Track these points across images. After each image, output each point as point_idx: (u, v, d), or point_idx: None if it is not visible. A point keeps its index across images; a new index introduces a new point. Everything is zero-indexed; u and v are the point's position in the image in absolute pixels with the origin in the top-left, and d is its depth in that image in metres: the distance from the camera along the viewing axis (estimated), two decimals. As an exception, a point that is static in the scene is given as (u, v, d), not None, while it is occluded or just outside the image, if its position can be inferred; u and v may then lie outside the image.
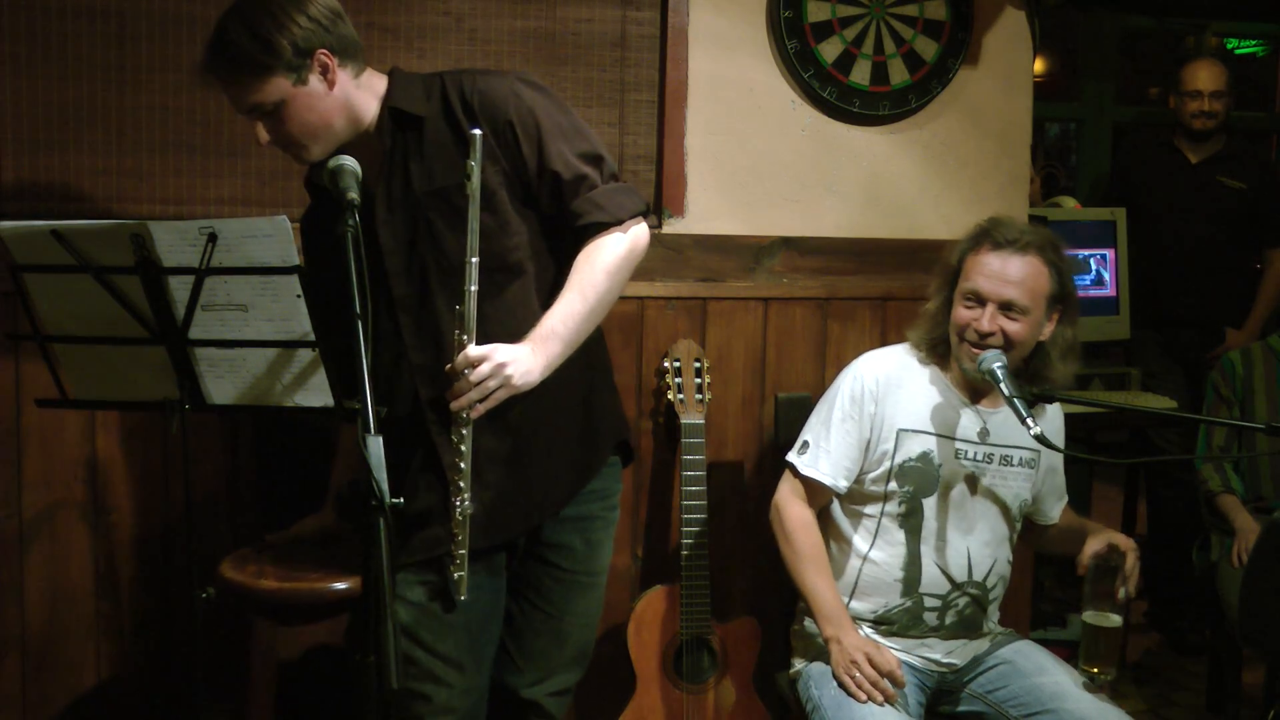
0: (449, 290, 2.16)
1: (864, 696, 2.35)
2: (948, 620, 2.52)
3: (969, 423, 2.52)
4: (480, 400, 2.08)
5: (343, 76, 2.16)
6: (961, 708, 2.55)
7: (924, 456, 2.50)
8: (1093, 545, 2.45)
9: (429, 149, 2.19)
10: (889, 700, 2.35)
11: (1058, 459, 2.62)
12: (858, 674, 2.37)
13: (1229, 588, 3.24)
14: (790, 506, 2.54)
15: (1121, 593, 2.38)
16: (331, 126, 2.17)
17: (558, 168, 2.18)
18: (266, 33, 2.07)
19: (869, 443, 2.51)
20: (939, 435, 2.50)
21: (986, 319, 2.42)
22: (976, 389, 2.52)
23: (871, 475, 2.52)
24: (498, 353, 2.07)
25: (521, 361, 2.09)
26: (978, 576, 2.52)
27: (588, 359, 2.29)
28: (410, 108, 2.19)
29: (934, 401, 2.52)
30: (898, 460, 2.50)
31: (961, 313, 2.46)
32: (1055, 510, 2.67)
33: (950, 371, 2.54)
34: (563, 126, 2.20)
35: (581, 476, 2.35)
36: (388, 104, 2.19)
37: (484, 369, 2.06)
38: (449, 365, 2.09)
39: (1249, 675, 3.51)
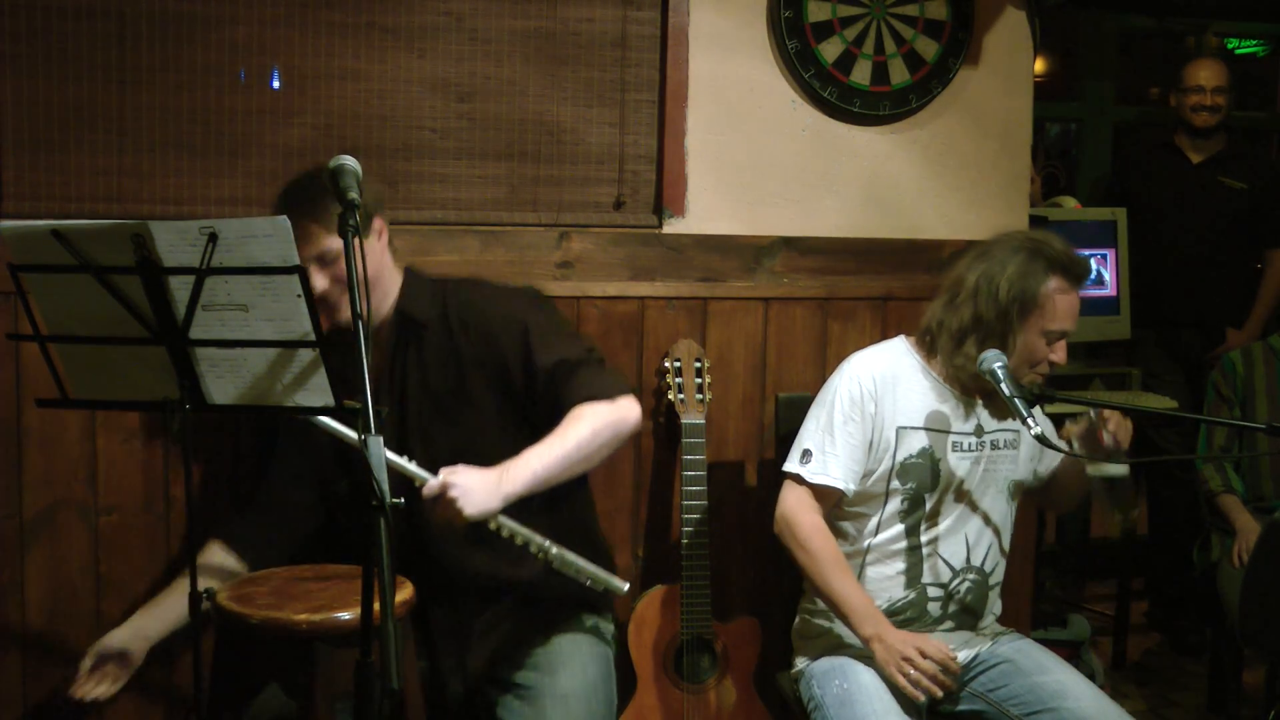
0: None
1: (922, 696, 2.32)
2: (951, 608, 2.53)
3: (964, 416, 2.54)
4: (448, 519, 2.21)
5: (387, 251, 2.40)
6: (962, 706, 2.55)
7: (923, 452, 2.51)
8: (1075, 425, 2.50)
9: (427, 353, 2.39)
10: (947, 690, 2.33)
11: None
12: (912, 671, 2.34)
13: (1229, 588, 3.24)
14: (800, 515, 2.51)
15: (1107, 438, 2.42)
16: (378, 284, 2.34)
17: (549, 364, 2.36)
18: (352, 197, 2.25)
19: (871, 443, 2.51)
20: (936, 430, 2.51)
21: (1062, 354, 2.49)
22: (964, 383, 2.53)
23: (874, 475, 2.52)
24: (451, 480, 2.17)
25: (474, 493, 2.18)
26: (975, 561, 2.54)
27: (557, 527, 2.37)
28: (416, 313, 2.37)
29: (929, 398, 2.53)
30: (899, 458, 2.50)
31: (1043, 347, 2.47)
32: (1056, 460, 2.68)
33: (937, 366, 2.54)
34: (552, 331, 2.41)
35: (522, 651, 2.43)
36: (398, 305, 2.40)
37: (441, 501, 2.18)
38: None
39: (1249, 675, 3.52)
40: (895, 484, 2.50)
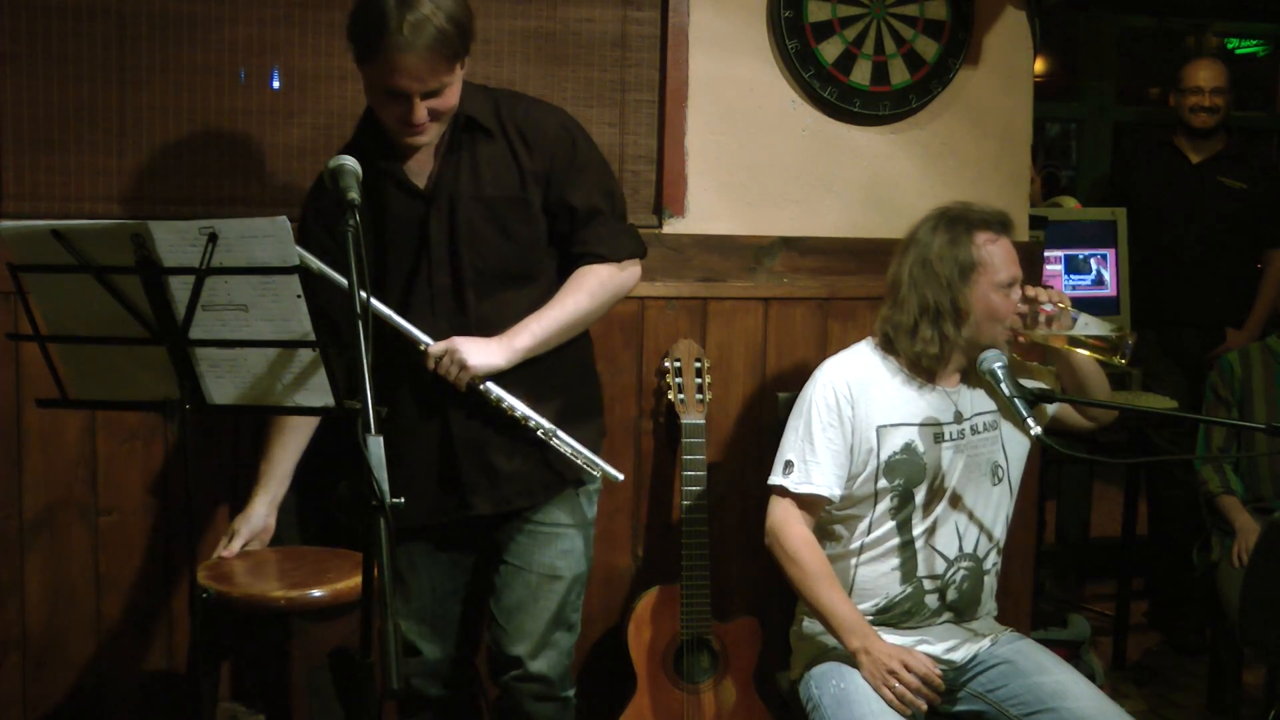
0: (478, 287, 2.39)
1: (907, 710, 2.34)
2: (949, 598, 2.53)
3: (942, 405, 2.54)
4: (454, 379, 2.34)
5: None
6: (961, 707, 2.55)
7: (907, 448, 2.51)
8: (1023, 329, 2.52)
9: (483, 159, 2.39)
10: (932, 704, 2.35)
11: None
12: (897, 685, 2.35)
13: (1229, 588, 3.24)
14: (788, 527, 2.51)
15: (1049, 307, 2.45)
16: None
17: (575, 202, 2.43)
18: (469, 25, 2.31)
19: (852, 446, 2.51)
20: (918, 424, 2.52)
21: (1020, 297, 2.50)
22: (934, 372, 2.54)
23: (860, 477, 2.52)
24: (455, 341, 2.33)
25: (475, 350, 2.33)
26: (968, 549, 2.55)
27: (558, 399, 2.48)
28: (482, 119, 2.38)
29: (904, 393, 2.54)
30: (883, 457, 2.50)
31: (1002, 300, 2.48)
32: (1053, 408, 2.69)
33: (904, 363, 2.55)
34: (591, 163, 2.46)
35: (521, 496, 2.51)
36: (461, 110, 2.37)
37: (444, 360, 2.33)
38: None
39: (1249, 675, 3.52)
40: (883, 482, 2.50)
